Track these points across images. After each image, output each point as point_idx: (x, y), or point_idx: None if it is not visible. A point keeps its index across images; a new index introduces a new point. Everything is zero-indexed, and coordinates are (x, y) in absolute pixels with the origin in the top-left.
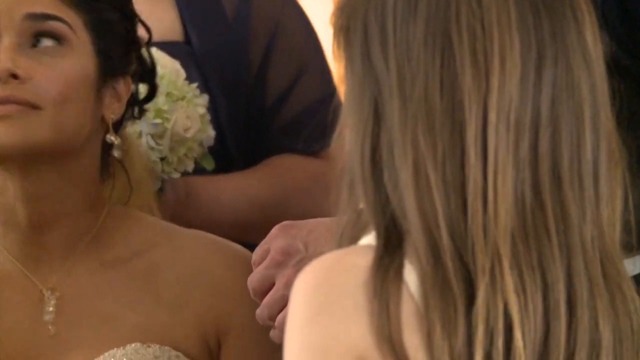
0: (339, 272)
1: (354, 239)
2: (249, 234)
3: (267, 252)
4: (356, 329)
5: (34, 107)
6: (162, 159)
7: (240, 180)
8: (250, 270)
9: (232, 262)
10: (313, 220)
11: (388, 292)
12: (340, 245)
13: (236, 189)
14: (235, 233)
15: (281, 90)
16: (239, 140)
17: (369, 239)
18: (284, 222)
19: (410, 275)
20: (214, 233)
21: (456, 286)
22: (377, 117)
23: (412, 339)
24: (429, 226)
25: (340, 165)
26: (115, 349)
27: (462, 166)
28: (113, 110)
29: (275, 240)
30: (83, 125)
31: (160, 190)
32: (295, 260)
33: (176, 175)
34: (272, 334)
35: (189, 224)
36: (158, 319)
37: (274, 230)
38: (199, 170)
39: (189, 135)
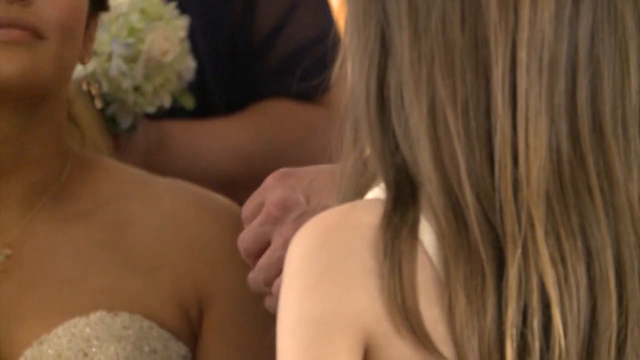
0: (343, 231)
1: (360, 192)
2: (231, 191)
3: (261, 206)
4: (363, 297)
5: (39, 36)
6: (135, 89)
7: (224, 127)
8: (237, 227)
9: (216, 216)
10: (314, 167)
11: (400, 252)
12: (344, 199)
13: (218, 138)
14: (215, 190)
15: (271, 26)
16: (222, 81)
17: (377, 192)
18: (281, 170)
19: (427, 235)
20: None
21: (483, 252)
22: (384, 50)
23: (430, 310)
24: (448, 181)
25: (341, 107)
26: (76, 318)
27: (488, 113)
28: (89, 53)
29: (270, 191)
30: (74, 65)
31: (131, 130)
32: (294, 215)
33: (151, 109)
34: (268, 302)
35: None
36: (128, 283)
37: (269, 179)
38: (176, 111)
39: (166, 60)
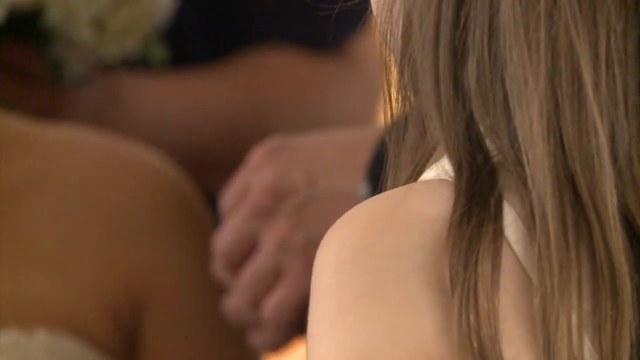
0: (397, 227)
1: (415, 171)
2: (211, 170)
3: (245, 192)
4: (427, 322)
5: None
6: (93, 25)
7: (200, 84)
8: (180, 202)
9: (147, 182)
10: (318, 137)
11: (479, 263)
12: (390, 184)
13: (192, 98)
14: (188, 165)
15: None
16: (202, 26)
17: (436, 170)
18: (272, 142)
19: (517, 234)
20: None
21: (619, 264)
22: None
23: (519, 345)
24: (564, 161)
25: (380, 54)
26: None
27: None
28: None
29: (258, 171)
30: None
31: (79, 81)
32: (291, 204)
33: (110, 56)
34: (256, 338)
35: None
36: (35, 287)
37: (257, 155)
38: (142, 63)
39: None
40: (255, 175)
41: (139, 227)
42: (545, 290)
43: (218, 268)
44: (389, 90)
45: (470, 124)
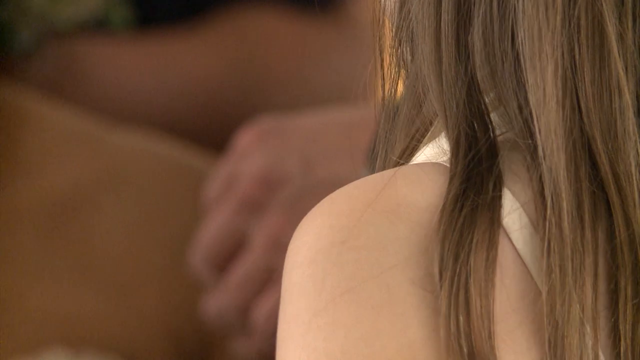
0: (378, 218)
1: (407, 151)
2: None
3: (232, 182)
4: (412, 326)
5: None
6: None
7: (169, 48)
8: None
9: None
10: (314, 117)
11: (471, 255)
12: (379, 164)
13: (160, 65)
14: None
15: None
16: None
17: (431, 151)
18: (262, 124)
19: (517, 222)
20: None
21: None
22: None
23: (520, 350)
24: (581, 127)
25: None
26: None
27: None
28: None
29: (246, 158)
30: None
31: (31, 49)
32: (285, 195)
33: (64, 19)
34: (242, 345)
35: None
36: (91, 307)
37: (244, 138)
38: (99, 26)
39: None
40: (243, 163)
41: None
42: (556, 277)
43: (200, 265)
44: (381, 55)
45: (472, 91)
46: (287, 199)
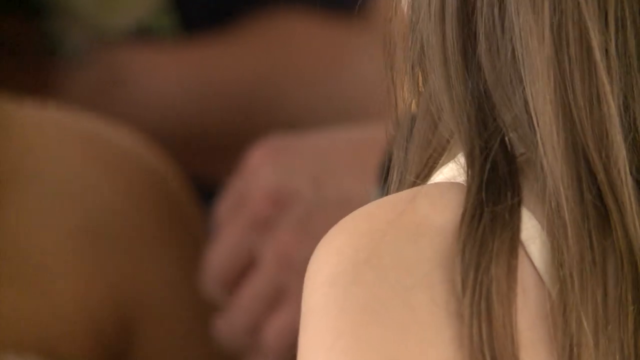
0: (399, 238)
1: (425, 171)
2: (216, 149)
3: (242, 201)
4: (435, 347)
5: None
6: None
7: (208, 55)
8: (173, 207)
9: (132, 183)
10: (324, 134)
11: (491, 275)
12: (395, 185)
13: (199, 72)
14: (192, 148)
15: None
16: None
17: (451, 171)
18: (271, 142)
19: (535, 241)
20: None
21: None
22: None
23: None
24: (583, 146)
25: (389, 28)
26: None
27: None
28: None
29: (256, 176)
30: None
31: (78, 56)
32: (295, 213)
33: (115, 24)
34: None
35: None
36: (12, 306)
37: (255, 156)
38: (147, 35)
39: None
40: (253, 180)
41: (124, 233)
42: (564, 289)
43: (211, 284)
44: (394, 77)
45: (483, 104)
46: (297, 217)
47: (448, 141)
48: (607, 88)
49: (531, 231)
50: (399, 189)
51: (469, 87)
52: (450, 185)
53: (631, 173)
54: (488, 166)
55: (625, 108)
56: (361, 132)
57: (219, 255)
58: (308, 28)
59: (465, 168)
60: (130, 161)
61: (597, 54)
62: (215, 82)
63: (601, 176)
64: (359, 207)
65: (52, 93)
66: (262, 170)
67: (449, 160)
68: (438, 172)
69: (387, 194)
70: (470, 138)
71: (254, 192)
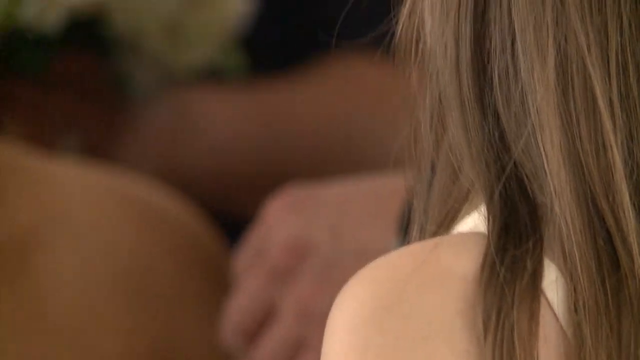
0: (421, 287)
1: (447, 221)
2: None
3: (261, 253)
4: None
5: None
6: (167, 33)
7: (277, 96)
8: (209, 263)
9: (171, 240)
10: (343, 185)
11: (512, 322)
12: (416, 236)
13: (268, 112)
14: (256, 187)
15: None
16: (277, 27)
17: (474, 221)
18: (290, 192)
19: (558, 289)
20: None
21: None
22: None
23: None
24: (591, 191)
25: (412, 79)
26: None
27: None
28: None
29: (275, 226)
30: None
31: (146, 96)
32: (315, 264)
33: (184, 64)
34: None
35: (180, 176)
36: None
37: (273, 207)
38: (216, 75)
39: None
40: (272, 231)
41: (162, 290)
42: (580, 334)
43: (230, 335)
44: (415, 129)
45: (501, 151)
46: (316, 269)
47: (469, 191)
48: (612, 137)
49: (550, 275)
50: (420, 239)
51: (486, 134)
52: (472, 234)
53: (638, 217)
54: (508, 211)
55: (630, 152)
56: (380, 182)
57: (239, 306)
58: (370, 70)
59: (486, 215)
60: (168, 220)
61: (601, 103)
62: (285, 122)
63: (610, 221)
64: (378, 257)
65: (121, 131)
66: (281, 220)
67: (470, 210)
68: (460, 222)
69: (408, 244)
70: (490, 184)
71: (273, 242)
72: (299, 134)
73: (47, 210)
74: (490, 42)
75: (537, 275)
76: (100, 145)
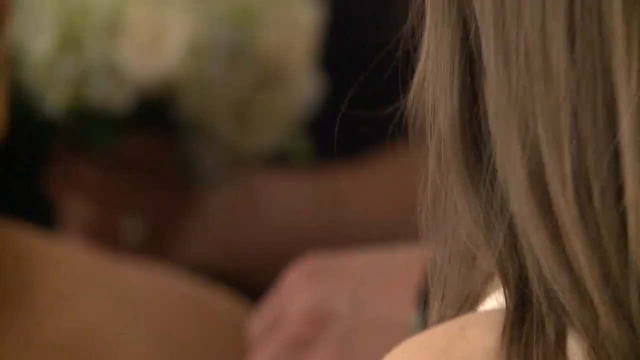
0: None
1: (469, 299)
2: None
3: (279, 321)
4: None
5: None
6: (235, 117)
7: (341, 185)
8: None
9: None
10: (362, 256)
11: None
12: (434, 317)
13: (331, 201)
14: None
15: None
16: (343, 114)
17: (493, 303)
18: (310, 262)
19: (579, 354)
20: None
21: None
22: (471, 70)
23: None
24: (584, 287)
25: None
26: None
27: (617, 174)
28: None
29: (294, 296)
30: None
31: (217, 183)
32: (334, 334)
33: (252, 147)
34: None
35: (238, 261)
36: None
37: (292, 277)
38: (281, 159)
39: (288, 64)
40: (290, 300)
41: None
42: None
43: None
44: (429, 209)
45: (512, 226)
46: (335, 338)
47: (485, 281)
48: (570, 224)
49: (572, 344)
50: (439, 321)
51: (491, 213)
52: (498, 311)
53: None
54: (523, 284)
55: (590, 240)
56: (400, 252)
57: None
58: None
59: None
60: (211, 312)
61: (565, 216)
62: (348, 209)
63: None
64: (397, 330)
65: (184, 215)
66: (301, 289)
67: (493, 290)
68: (486, 299)
69: (427, 322)
70: (502, 260)
71: (292, 311)
72: (352, 221)
73: (113, 311)
74: (482, 134)
75: (560, 344)
76: (162, 229)
